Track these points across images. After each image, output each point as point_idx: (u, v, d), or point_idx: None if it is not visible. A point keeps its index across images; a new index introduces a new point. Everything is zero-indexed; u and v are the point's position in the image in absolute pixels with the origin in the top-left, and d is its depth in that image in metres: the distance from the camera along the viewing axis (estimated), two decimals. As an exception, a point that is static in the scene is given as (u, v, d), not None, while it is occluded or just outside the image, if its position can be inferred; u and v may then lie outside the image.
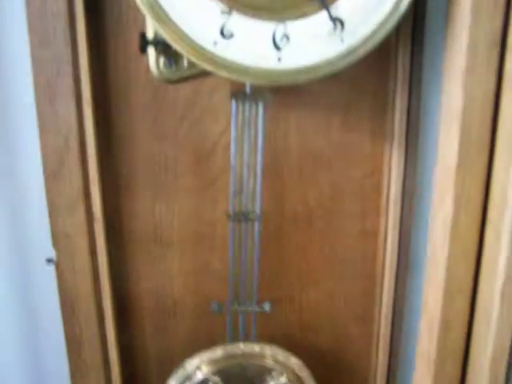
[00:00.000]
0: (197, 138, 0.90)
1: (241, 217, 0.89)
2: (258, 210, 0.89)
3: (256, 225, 0.90)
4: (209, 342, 0.98)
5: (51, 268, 0.84)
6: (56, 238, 0.82)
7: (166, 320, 0.99)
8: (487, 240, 0.79)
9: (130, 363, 1.01)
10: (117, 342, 0.93)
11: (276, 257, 0.98)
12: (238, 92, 0.84)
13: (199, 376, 0.93)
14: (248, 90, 0.83)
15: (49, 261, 0.83)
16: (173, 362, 1.01)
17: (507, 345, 0.79)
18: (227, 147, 0.90)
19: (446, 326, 0.83)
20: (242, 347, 0.94)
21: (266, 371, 0.95)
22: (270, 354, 0.94)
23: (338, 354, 1.06)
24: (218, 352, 0.93)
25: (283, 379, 0.95)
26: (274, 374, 0.95)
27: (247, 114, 0.85)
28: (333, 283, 1.01)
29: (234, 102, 0.84)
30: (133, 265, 0.95)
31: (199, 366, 0.93)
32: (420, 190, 0.95)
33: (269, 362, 0.94)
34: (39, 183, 0.82)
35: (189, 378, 0.93)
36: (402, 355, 1.06)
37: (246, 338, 0.96)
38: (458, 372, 0.87)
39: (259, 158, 0.87)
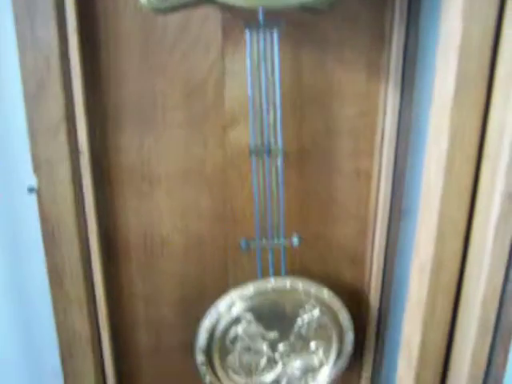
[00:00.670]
0: (187, 70, 0.87)
1: (261, 150, 0.88)
2: (279, 144, 0.87)
3: (279, 159, 0.88)
4: (197, 281, 0.98)
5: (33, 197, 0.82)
6: (37, 163, 0.79)
7: (154, 258, 0.98)
8: (482, 178, 0.77)
9: (116, 299, 0.99)
10: (103, 275, 0.92)
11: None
12: (251, 21, 0.81)
13: (232, 314, 0.92)
14: (261, 18, 0.80)
15: (30, 190, 0.81)
16: (159, 301, 1.01)
17: (499, 286, 0.78)
18: (218, 81, 0.88)
19: (437, 267, 0.82)
20: (272, 282, 0.94)
21: (298, 305, 0.95)
22: (302, 287, 0.94)
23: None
24: (249, 289, 0.93)
25: (316, 312, 0.95)
26: (306, 307, 0.94)
27: (262, 43, 0.82)
28: (326, 223, 1.00)
29: (247, 32, 0.82)
30: (119, 200, 0.93)
31: (232, 303, 0.93)
32: (416, 128, 0.93)
33: (301, 296, 0.94)
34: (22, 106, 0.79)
35: (222, 316, 0.93)
36: (394, 297, 1.05)
37: (265, 275, 0.96)
38: (448, 314, 0.86)
39: (277, 89, 0.85)
